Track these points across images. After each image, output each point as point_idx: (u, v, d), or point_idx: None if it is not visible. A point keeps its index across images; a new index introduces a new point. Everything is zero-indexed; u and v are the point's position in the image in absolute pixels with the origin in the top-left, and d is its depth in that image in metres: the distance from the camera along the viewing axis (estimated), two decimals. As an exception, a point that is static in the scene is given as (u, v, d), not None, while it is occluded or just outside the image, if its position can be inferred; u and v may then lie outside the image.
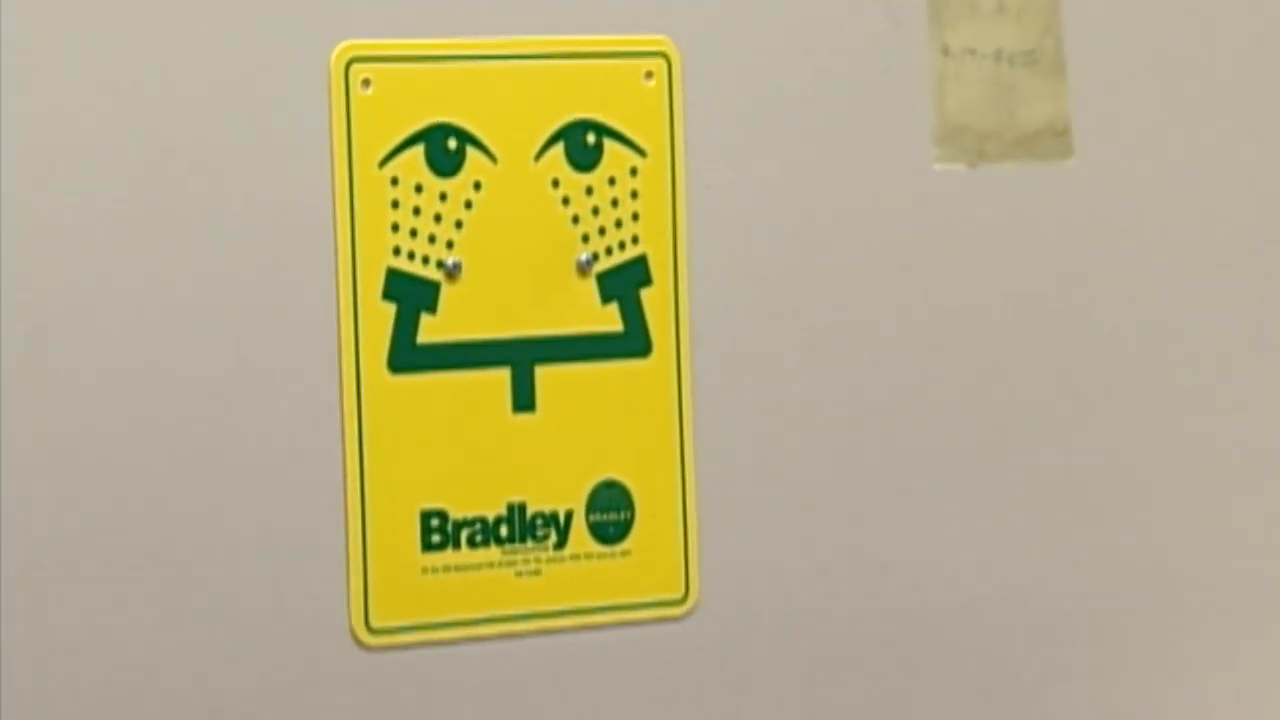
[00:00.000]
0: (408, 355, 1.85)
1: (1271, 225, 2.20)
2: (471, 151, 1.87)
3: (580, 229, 1.90)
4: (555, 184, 1.89)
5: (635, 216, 1.92)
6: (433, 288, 1.86)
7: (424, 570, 1.86)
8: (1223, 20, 2.17)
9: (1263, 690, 2.22)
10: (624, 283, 1.92)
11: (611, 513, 1.92)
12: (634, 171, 1.91)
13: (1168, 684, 2.17)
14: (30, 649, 1.80)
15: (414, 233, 1.85)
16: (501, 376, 1.88)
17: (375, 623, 1.85)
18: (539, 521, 1.89)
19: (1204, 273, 2.17)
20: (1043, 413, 2.11)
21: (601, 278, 1.91)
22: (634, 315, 1.92)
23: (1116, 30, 2.11)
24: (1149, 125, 2.12)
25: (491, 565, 1.88)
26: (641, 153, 1.92)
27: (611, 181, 1.91)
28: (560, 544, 1.90)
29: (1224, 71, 2.17)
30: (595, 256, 1.90)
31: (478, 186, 1.86)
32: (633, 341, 1.92)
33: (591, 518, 1.91)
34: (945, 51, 1.97)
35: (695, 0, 1.96)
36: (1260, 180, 2.18)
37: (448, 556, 1.87)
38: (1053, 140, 2.01)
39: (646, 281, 1.92)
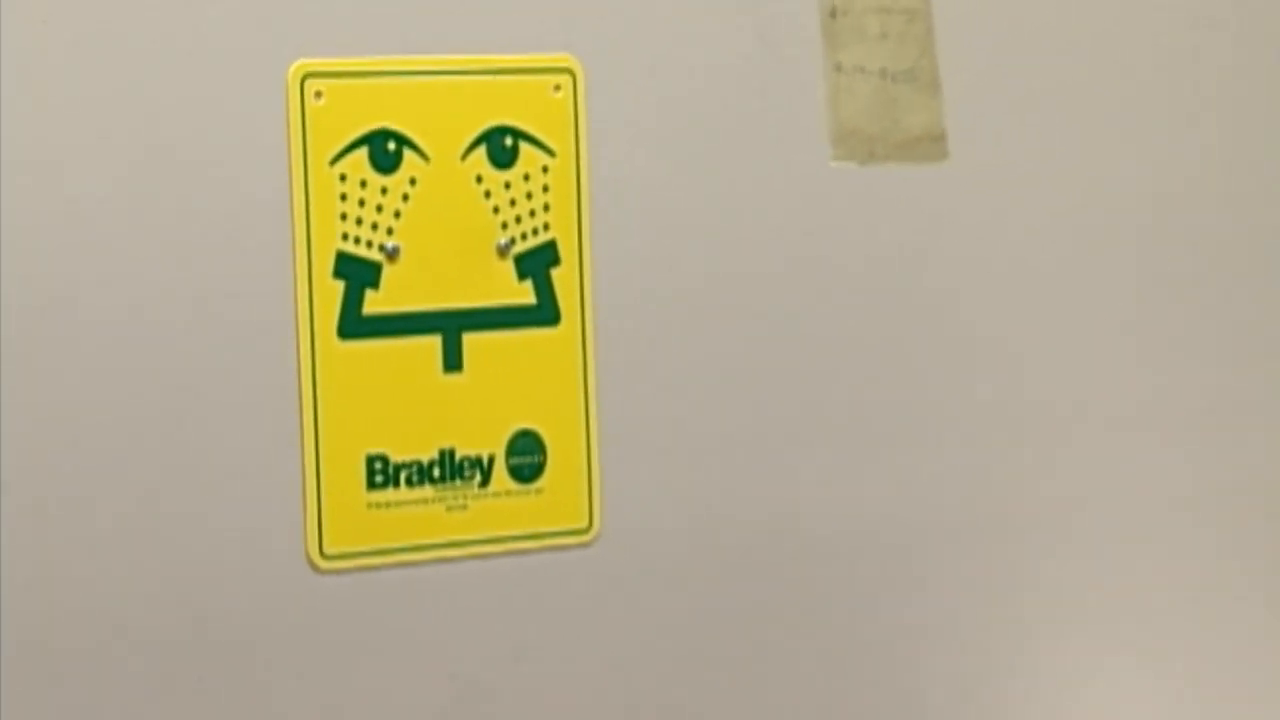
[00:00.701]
0: (354, 324, 1.88)
1: (1100, 218, 2.20)
2: (407, 152, 1.89)
3: (500, 218, 1.93)
4: (478, 180, 1.91)
5: (546, 207, 1.94)
6: (375, 267, 1.88)
7: (369, 505, 1.88)
8: (1076, 44, 2.17)
9: (1077, 599, 2.21)
10: (537, 263, 1.94)
11: (527, 456, 1.94)
12: (545, 169, 1.94)
13: (995, 597, 2.17)
14: (17, 570, 1.80)
15: (359, 221, 1.88)
16: (434, 342, 1.91)
17: (327, 549, 1.88)
18: (466, 464, 1.91)
19: (1049, 257, 2.17)
20: (899, 371, 2.11)
21: (518, 259, 1.93)
22: (545, 290, 1.95)
23: (983, 52, 2.11)
24: (1011, 134, 2.13)
25: (425, 501, 1.90)
26: (551, 153, 1.94)
27: (526, 178, 1.93)
28: (484, 483, 1.92)
29: (1078, 88, 2.17)
30: (512, 241, 1.93)
31: (413, 182, 1.89)
32: (544, 312, 1.94)
33: (510, 461, 1.93)
34: (839, 69, 1.98)
35: (596, 24, 1.98)
36: (1101, 178, 2.18)
37: (389, 494, 1.89)
38: (930, 145, 2.01)
39: (556, 262, 1.95)
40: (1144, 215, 2.22)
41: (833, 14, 1.89)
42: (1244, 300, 2.29)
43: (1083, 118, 2.19)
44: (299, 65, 1.87)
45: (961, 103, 2.08)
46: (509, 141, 1.93)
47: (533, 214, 1.95)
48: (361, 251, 1.89)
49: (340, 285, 1.88)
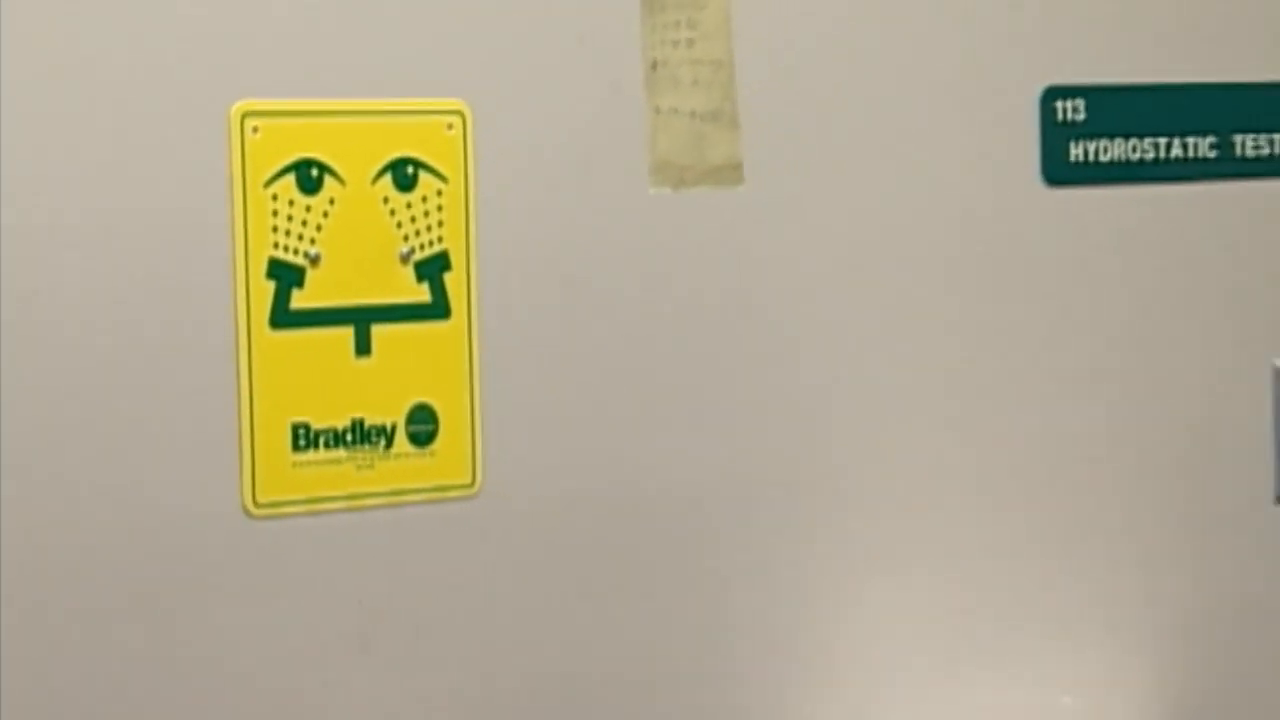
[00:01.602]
0: (283, 317, 1.90)
1: (876, 233, 2.17)
2: (328, 178, 1.91)
3: (402, 231, 1.95)
4: (385, 200, 1.94)
5: (440, 223, 1.96)
6: (300, 270, 1.90)
7: (293, 464, 1.91)
8: (854, 91, 2.15)
9: (865, 545, 2.19)
10: (432, 269, 1.96)
11: (423, 425, 1.96)
12: (439, 192, 1.96)
13: (800, 542, 2.16)
14: None
15: (287, 233, 1.90)
16: (347, 332, 1.93)
17: (259, 500, 1.90)
18: (373, 431, 1.94)
19: (833, 263, 2.16)
20: (720, 360, 2.11)
21: (417, 265, 1.96)
22: (438, 291, 1.97)
23: (775, 98, 2.09)
24: (797, 164, 2.12)
25: (339, 461, 1.93)
26: (445, 179, 1.96)
27: (424, 199, 1.95)
28: (388, 446, 1.95)
29: (855, 124, 2.15)
30: (412, 250, 1.95)
31: (332, 201, 1.92)
32: (437, 309, 1.97)
33: (409, 429, 1.96)
34: (657, 111, 1.98)
35: (482, 75, 1.98)
36: (872, 203, 2.17)
37: (309, 455, 1.92)
38: (730, 172, 2.01)
39: (448, 268, 1.97)
40: (913, 228, 2.20)
41: (654, 66, 1.85)
42: (998, 305, 2.26)
43: (857, 149, 2.16)
44: (239, 105, 1.88)
45: (755, 139, 2.08)
46: (410, 170, 1.95)
47: (429, 229, 1.96)
48: (289, 257, 1.91)
49: (271, 285, 1.90)
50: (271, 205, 1.90)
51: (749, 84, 2.06)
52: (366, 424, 1.95)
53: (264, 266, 1.90)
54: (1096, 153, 2.27)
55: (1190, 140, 2.31)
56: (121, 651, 1.87)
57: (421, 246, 1.97)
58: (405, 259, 1.96)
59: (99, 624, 1.86)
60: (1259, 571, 2.37)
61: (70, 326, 1.85)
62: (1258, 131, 2.35)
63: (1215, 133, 2.32)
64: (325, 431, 1.93)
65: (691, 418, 2.11)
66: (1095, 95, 2.27)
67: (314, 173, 1.92)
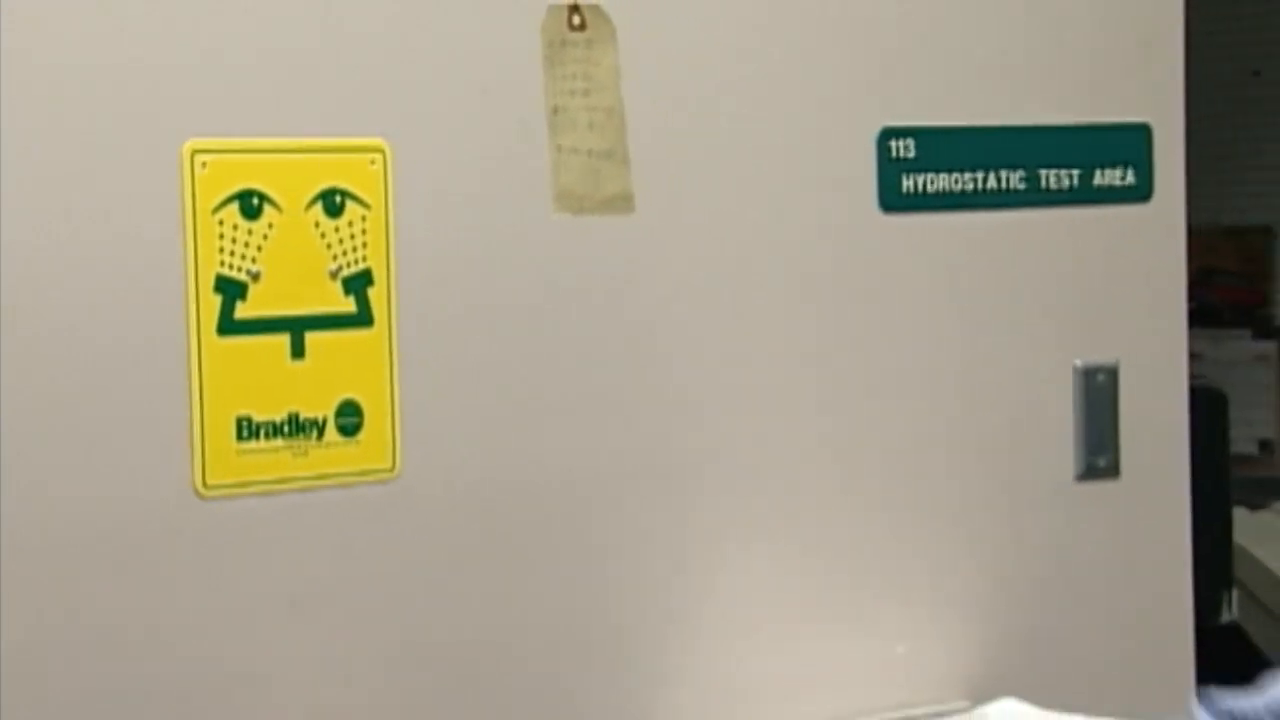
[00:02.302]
0: (229, 325, 1.90)
1: (746, 255, 2.17)
2: (267, 206, 1.91)
3: (331, 252, 1.95)
4: (317, 225, 1.94)
5: (364, 245, 1.96)
6: (243, 285, 1.90)
7: (238, 452, 1.91)
8: (722, 133, 2.15)
9: (720, 521, 2.20)
10: (357, 284, 1.97)
11: (350, 418, 1.96)
12: (364, 218, 1.96)
13: (669, 520, 2.16)
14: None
15: (232, 253, 1.90)
16: (284, 339, 1.93)
17: (209, 482, 1.91)
18: (307, 424, 1.94)
19: (707, 278, 2.16)
20: (605, 365, 2.11)
21: (344, 281, 1.96)
22: (363, 303, 1.97)
23: (659, 140, 2.09)
24: (677, 195, 2.12)
25: (277, 449, 1.93)
26: (368, 207, 1.96)
27: (350, 224, 1.95)
28: (319, 437, 1.95)
29: (726, 163, 2.16)
30: (340, 268, 1.95)
31: (270, 226, 1.91)
32: (362, 318, 1.97)
33: (338, 421, 1.96)
34: (559, 149, 1.97)
35: (401, 117, 1.98)
36: (741, 230, 2.17)
37: (252, 444, 1.92)
38: (622, 202, 2.00)
39: (371, 283, 1.97)
40: (771, 248, 2.19)
41: (555, 111, 1.83)
42: (844, 313, 2.26)
43: (725, 181, 2.16)
44: (190, 144, 1.88)
45: (642, 175, 2.07)
46: (338, 199, 1.95)
47: (355, 249, 1.96)
48: (233, 274, 1.90)
49: (218, 298, 1.90)
50: (218, 229, 1.90)
51: (636, 128, 2.05)
52: (301, 417, 1.95)
53: (212, 281, 1.90)
54: (924, 184, 2.28)
55: (1004, 174, 2.33)
56: (85, 611, 1.86)
57: (348, 265, 1.97)
58: (334, 275, 1.96)
59: (67, 587, 1.85)
60: (1063, 538, 2.38)
61: (45, 333, 1.85)
62: (1060, 167, 2.37)
63: (1024, 168, 2.34)
64: (265, 423, 1.93)
65: (580, 412, 2.11)
66: (923, 135, 2.28)
67: (255, 201, 1.91)
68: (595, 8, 1.80)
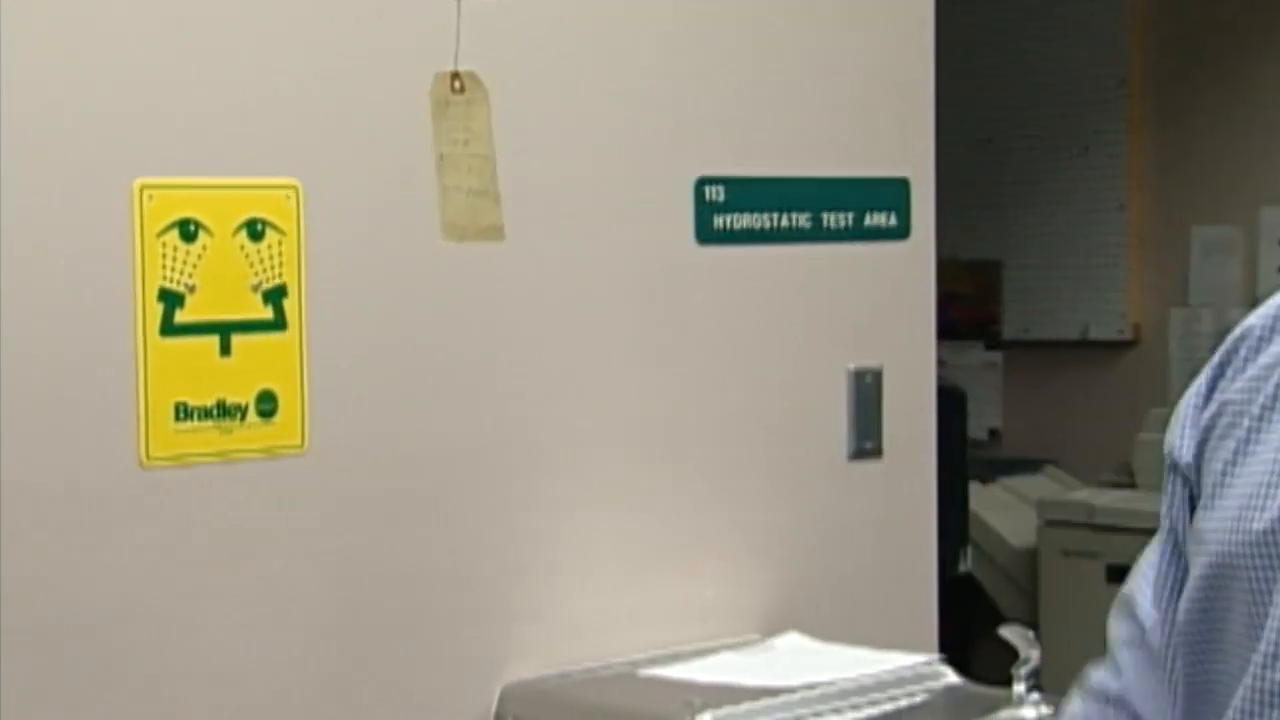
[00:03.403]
0: (169, 328, 1.90)
1: (596, 279, 2.16)
2: (201, 232, 1.92)
3: (254, 270, 1.96)
4: (242, 248, 1.94)
5: (281, 264, 1.97)
6: (181, 296, 1.91)
7: (175, 431, 1.91)
8: (570, 178, 2.14)
9: (578, 491, 2.19)
10: (275, 295, 1.97)
11: (268, 404, 1.96)
12: (280, 243, 1.97)
13: (538, 490, 2.16)
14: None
15: (173, 270, 1.91)
16: (214, 340, 1.93)
17: (151, 455, 1.91)
18: (232, 408, 1.94)
19: (564, 296, 2.15)
20: (484, 357, 2.10)
21: (264, 293, 1.96)
22: (279, 311, 1.97)
23: (522, 182, 2.08)
24: (536, 227, 2.11)
25: (208, 429, 1.92)
26: (284, 234, 1.97)
27: (270, 247, 1.96)
28: (242, 419, 1.95)
29: (574, 203, 2.14)
30: (261, 282, 1.96)
31: (204, 248, 1.92)
32: (278, 323, 1.97)
33: (258, 406, 1.96)
34: (445, 188, 1.96)
35: (313, 161, 1.98)
36: (587, 257, 2.16)
37: (187, 425, 1.92)
38: (494, 231, 1.98)
39: (286, 295, 1.97)
40: (609, 271, 2.20)
41: (441, 157, 1.82)
42: (667, 325, 2.26)
43: (572, 218, 2.15)
44: (139, 180, 1.89)
45: (510, 209, 2.06)
46: (260, 226, 1.95)
47: (273, 267, 1.96)
48: (174, 287, 1.91)
49: (161, 306, 1.90)
50: (161, 250, 1.90)
51: (505, 172, 2.03)
52: (227, 403, 1.94)
53: (156, 292, 1.89)
54: (732, 222, 2.29)
55: (794, 215, 2.34)
56: (47, 558, 1.83)
57: (267, 280, 1.96)
58: (255, 289, 1.95)
59: (32, 537, 1.83)
60: (837, 504, 2.39)
61: (17, 333, 1.83)
62: (838, 210, 2.39)
63: (810, 211, 2.36)
64: (198, 408, 1.92)
65: (455, 400, 2.09)
66: (731, 183, 2.30)
67: (191, 228, 1.91)
68: (473, 75, 1.81)
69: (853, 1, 2.38)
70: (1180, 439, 1.20)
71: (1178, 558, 1.22)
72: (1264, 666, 1.08)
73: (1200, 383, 1.21)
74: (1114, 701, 1.23)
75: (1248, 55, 3.62)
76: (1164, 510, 1.23)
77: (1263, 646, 1.09)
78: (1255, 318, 1.20)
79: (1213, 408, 1.18)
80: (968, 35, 3.88)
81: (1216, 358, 1.21)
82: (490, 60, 1.91)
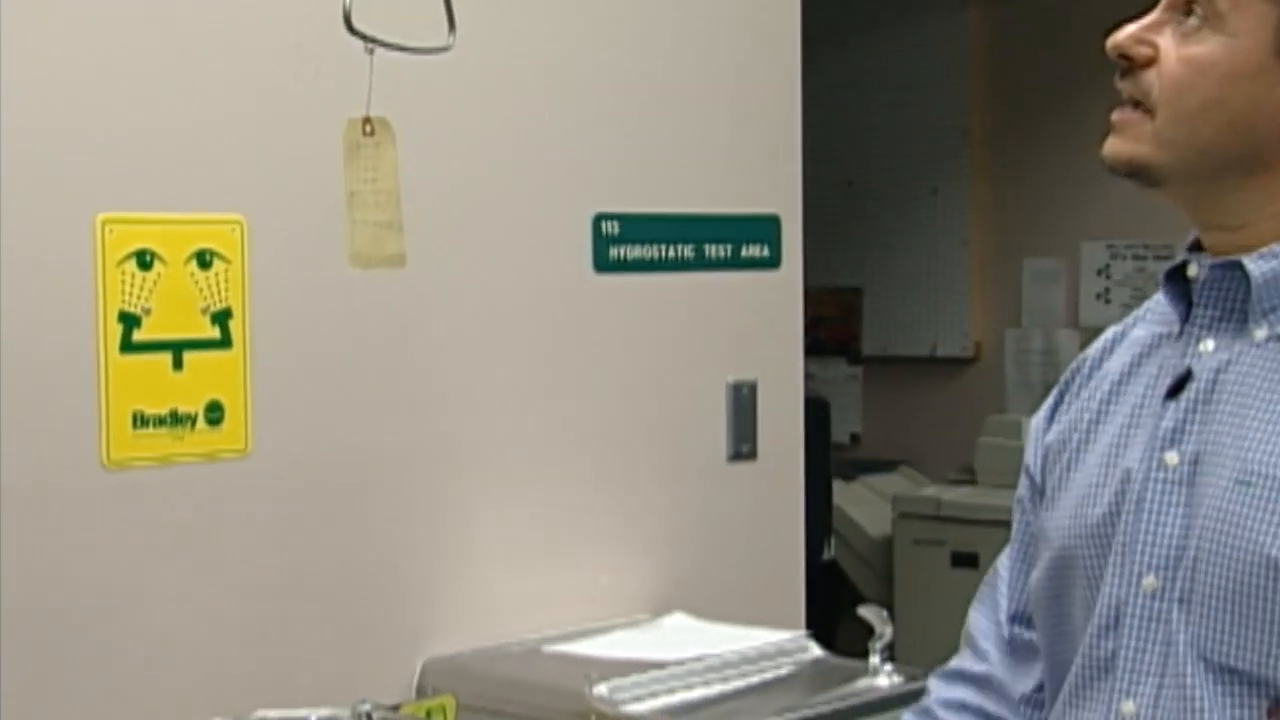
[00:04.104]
0: (128, 346, 1.90)
1: (490, 298, 2.14)
2: (156, 261, 1.91)
3: (203, 295, 1.95)
4: (192, 275, 1.94)
5: (226, 290, 1.96)
6: (139, 318, 1.91)
7: (133, 437, 1.90)
8: (475, 212, 2.12)
9: (486, 490, 2.18)
10: (221, 317, 1.97)
11: (215, 413, 1.96)
12: (227, 271, 1.96)
13: (452, 488, 2.14)
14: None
15: (132, 295, 1.90)
16: (168, 356, 1.93)
17: (112, 457, 1.90)
18: (184, 416, 1.93)
19: (464, 317, 2.12)
20: (401, 370, 2.09)
21: (212, 315, 1.96)
22: (225, 331, 1.97)
23: (424, 215, 2.03)
24: (437, 256, 2.07)
25: (162, 435, 1.92)
26: (229, 263, 1.96)
27: (217, 275, 1.96)
28: (193, 426, 1.94)
29: (479, 235, 2.12)
30: (209, 305, 1.95)
31: (159, 276, 1.91)
32: (225, 342, 1.96)
33: (207, 415, 1.95)
34: (354, 221, 1.86)
35: (253, 200, 1.97)
36: (489, 277, 2.14)
37: (144, 431, 1.90)
38: (397, 259, 1.87)
39: (231, 316, 1.97)
40: (514, 295, 2.15)
41: (351, 195, 1.78)
42: (569, 343, 2.24)
43: (476, 247, 2.14)
44: (102, 216, 1.88)
45: (411, 239, 1.93)
46: (208, 256, 1.95)
47: (220, 293, 1.96)
48: (132, 309, 1.90)
49: (121, 326, 1.90)
50: (121, 277, 1.89)
51: (409, 205, 1.93)
52: (179, 412, 1.93)
53: (116, 314, 1.89)
54: (626, 253, 2.30)
55: (680, 247, 2.35)
56: (16, 549, 1.81)
57: (214, 304, 1.95)
58: (204, 311, 1.95)
59: (4, 530, 1.81)
60: (718, 501, 2.40)
61: None
62: (719, 243, 2.40)
63: (694, 243, 2.37)
64: (153, 416, 1.91)
65: (381, 410, 2.09)
66: (625, 219, 2.30)
67: (147, 258, 1.90)
68: (382, 120, 1.76)
69: (732, 59, 2.40)
70: (1033, 456, 1.25)
71: (1027, 557, 1.27)
72: (1096, 637, 1.12)
73: (1047, 405, 1.27)
74: (979, 681, 1.28)
75: (1069, 112, 3.73)
76: (1018, 516, 1.29)
77: (1095, 620, 1.13)
78: (1092, 347, 1.26)
79: (1056, 428, 1.23)
80: (833, 90, 3.94)
81: (1060, 383, 1.26)
82: (400, 107, 1.83)
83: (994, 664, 1.27)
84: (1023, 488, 1.26)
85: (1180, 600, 1.09)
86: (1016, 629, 1.26)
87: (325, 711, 1.61)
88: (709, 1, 2.37)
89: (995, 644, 1.27)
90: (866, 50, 4.15)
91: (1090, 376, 1.23)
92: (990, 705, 1.26)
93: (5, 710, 1.76)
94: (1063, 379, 1.27)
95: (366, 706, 1.61)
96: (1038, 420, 1.26)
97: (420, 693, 2.04)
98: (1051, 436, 1.23)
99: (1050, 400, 1.26)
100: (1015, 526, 1.28)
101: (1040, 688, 1.24)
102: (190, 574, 1.93)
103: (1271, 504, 1.06)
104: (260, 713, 1.63)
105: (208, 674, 1.93)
